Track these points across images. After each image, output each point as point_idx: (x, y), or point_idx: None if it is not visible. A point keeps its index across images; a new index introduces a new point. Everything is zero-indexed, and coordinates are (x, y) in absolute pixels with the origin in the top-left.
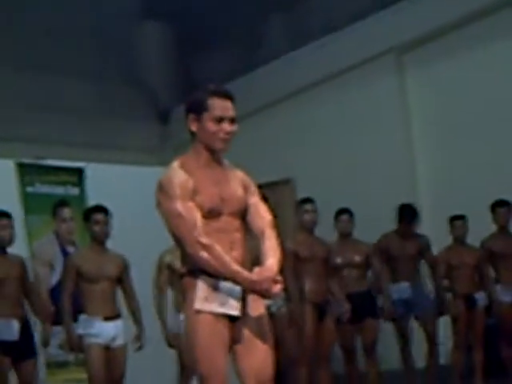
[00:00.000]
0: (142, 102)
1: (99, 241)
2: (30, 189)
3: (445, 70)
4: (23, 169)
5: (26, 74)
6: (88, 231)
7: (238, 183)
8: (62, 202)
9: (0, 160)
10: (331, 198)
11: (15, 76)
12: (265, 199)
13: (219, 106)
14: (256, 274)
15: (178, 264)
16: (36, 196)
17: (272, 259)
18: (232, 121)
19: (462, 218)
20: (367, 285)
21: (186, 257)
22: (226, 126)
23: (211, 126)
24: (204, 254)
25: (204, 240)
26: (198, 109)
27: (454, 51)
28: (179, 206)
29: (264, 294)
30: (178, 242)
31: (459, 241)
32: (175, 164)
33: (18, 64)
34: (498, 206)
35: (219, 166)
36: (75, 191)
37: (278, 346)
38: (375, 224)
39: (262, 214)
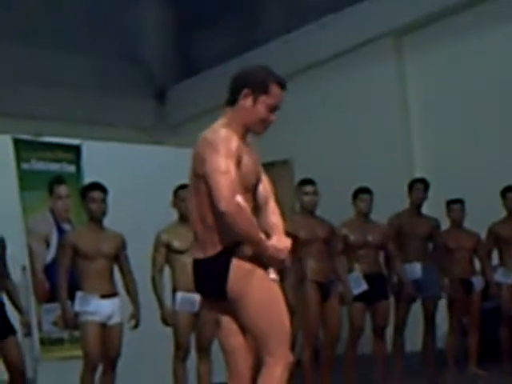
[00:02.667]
0: (140, 80)
1: (96, 219)
2: (26, 165)
3: (443, 54)
4: (20, 145)
5: (24, 50)
6: (84, 209)
7: (258, 161)
8: (58, 179)
9: None
10: (329, 178)
11: (13, 51)
12: None
13: (278, 95)
14: (278, 242)
15: (175, 242)
16: (32, 172)
17: (282, 233)
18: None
19: (459, 201)
20: (381, 266)
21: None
22: (273, 117)
23: (263, 112)
24: (238, 214)
25: (241, 201)
26: (258, 88)
27: (452, 35)
28: (227, 163)
29: (279, 264)
30: (213, 196)
31: (456, 224)
32: (224, 128)
33: (15, 39)
34: (508, 191)
35: (247, 143)
36: (71, 168)
37: None
38: (373, 205)
39: (265, 186)
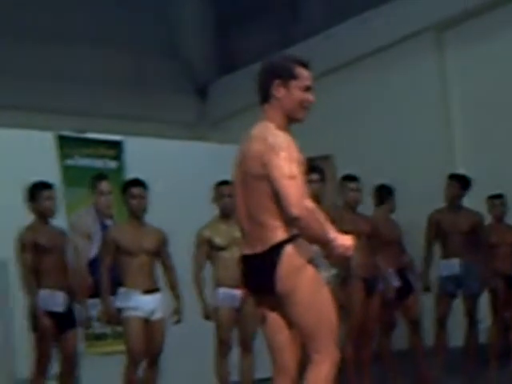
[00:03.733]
0: (181, 76)
1: (136, 214)
2: (69, 161)
3: (485, 48)
4: (63, 141)
5: (67, 48)
6: (125, 205)
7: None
8: (101, 176)
9: (40, 132)
10: (370, 174)
11: (56, 49)
12: None
13: (306, 75)
14: (342, 241)
15: (216, 239)
16: (75, 169)
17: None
18: (312, 92)
19: (500, 196)
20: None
21: (286, 221)
22: (310, 96)
23: (300, 94)
24: (309, 218)
25: (310, 204)
26: (285, 75)
27: (494, 29)
28: (293, 168)
29: (345, 262)
30: (282, 201)
31: (498, 220)
32: (276, 128)
33: (57, 38)
34: None
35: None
36: (113, 164)
37: None
38: (413, 201)
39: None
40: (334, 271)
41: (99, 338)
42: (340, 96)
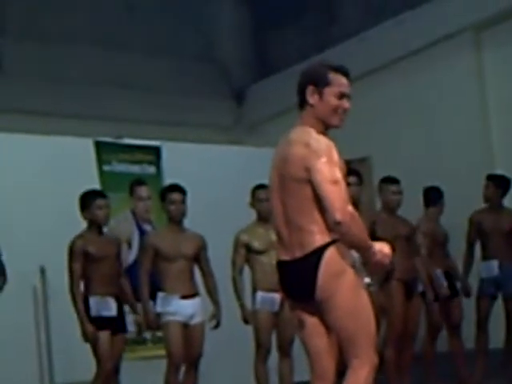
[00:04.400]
0: (218, 80)
1: (175, 220)
2: (107, 167)
3: None
4: (101, 147)
5: (103, 53)
6: (164, 210)
7: None
8: (139, 181)
9: (78, 139)
10: (407, 176)
11: (93, 55)
12: None
13: (341, 82)
14: (381, 247)
15: (254, 243)
16: (113, 174)
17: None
18: (349, 98)
19: None
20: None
21: (326, 226)
22: (345, 103)
23: (333, 101)
24: (352, 223)
25: (352, 210)
26: (319, 82)
27: None
28: (336, 173)
29: (384, 269)
30: (326, 206)
31: None
32: (316, 133)
33: (94, 43)
34: None
35: None
36: (152, 170)
37: None
38: (450, 203)
39: None
40: (367, 280)
41: (139, 342)
42: (376, 98)
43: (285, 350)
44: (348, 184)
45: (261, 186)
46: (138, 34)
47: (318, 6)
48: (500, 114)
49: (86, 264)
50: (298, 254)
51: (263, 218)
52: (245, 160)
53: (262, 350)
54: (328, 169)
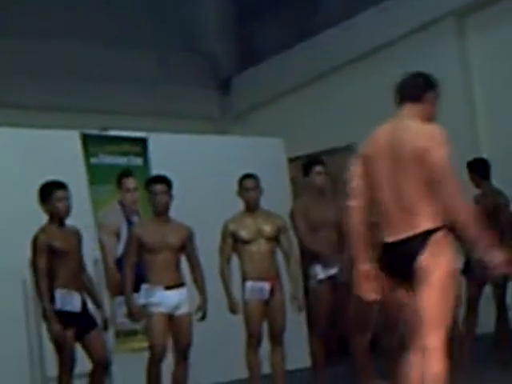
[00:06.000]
0: (203, 70)
1: (159, 211)
2: (94, 160)
3: (506, 34)
4: (87, 140)
5: (88, 46)
6: (149, 202)
7: None
8: (126, 172)
9: (65, 131)
10: None
11: (78, 48)
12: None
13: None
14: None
15: (241, 232)
16: (100, 167)
17: None
18: None
19: None
20: None
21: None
22: None
23: (435, 111)
24: (471, 217)
25: (469, 204)
26: (437, 92)
27: None
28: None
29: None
30: (448, 195)
31: None
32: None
33: (80, 36)
34: None
35: None
36: (138, 161)
37: None
38: None
39: None
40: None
41: (129, 334)
42: (361, 86)
43: (276, 339)
44: (317, 173)
45: (248, 176)
46: (124, 25)
47: None
48: (486, 100)
49: (50, 258)
50: (408, 234)
51: (251, 208)
52: (231, 149)
53: (252, 340)
54: (449, 162)
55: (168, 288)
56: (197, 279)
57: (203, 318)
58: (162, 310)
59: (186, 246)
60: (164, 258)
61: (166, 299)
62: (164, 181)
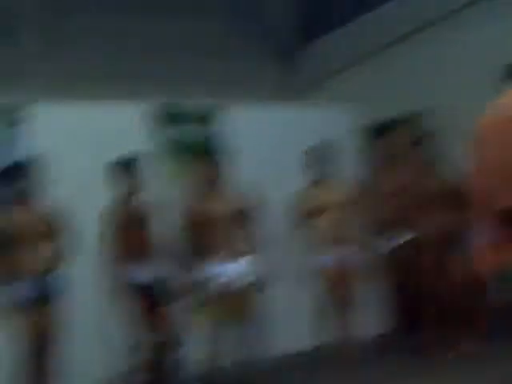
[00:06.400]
0: (267, 41)
1: (214, 183)
2: (162, 132)
3: None
4: (156, 112)
5: (154, 18)
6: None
7: None
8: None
9: (133, 104)
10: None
11: (144, 20)
12: None
13: None
14: None
15: (310, 203)
16: (169, 139)
17: None
18: None
19: None
20: None
21: None
22: None
23: None
24: None
25: None
26: None
27: None
28: None
29: None
30: None
31: None
32: None
33: (143, 9)
34: None
35: None
36: (206, 132)
37: None
38: None
39: None
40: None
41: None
42: (414, 60)
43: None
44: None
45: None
46: None
47: None
48: None
49: (120, 231)
50: None
51: (318, 179)
52: (297, 121)
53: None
54: None
55: (229, 259)
56: (254, 249)
57: (262, 289)
58: (224, 280)
59: (244, 216)
60: (223, 229)
61: (227, 270)
62: (219, 154)
